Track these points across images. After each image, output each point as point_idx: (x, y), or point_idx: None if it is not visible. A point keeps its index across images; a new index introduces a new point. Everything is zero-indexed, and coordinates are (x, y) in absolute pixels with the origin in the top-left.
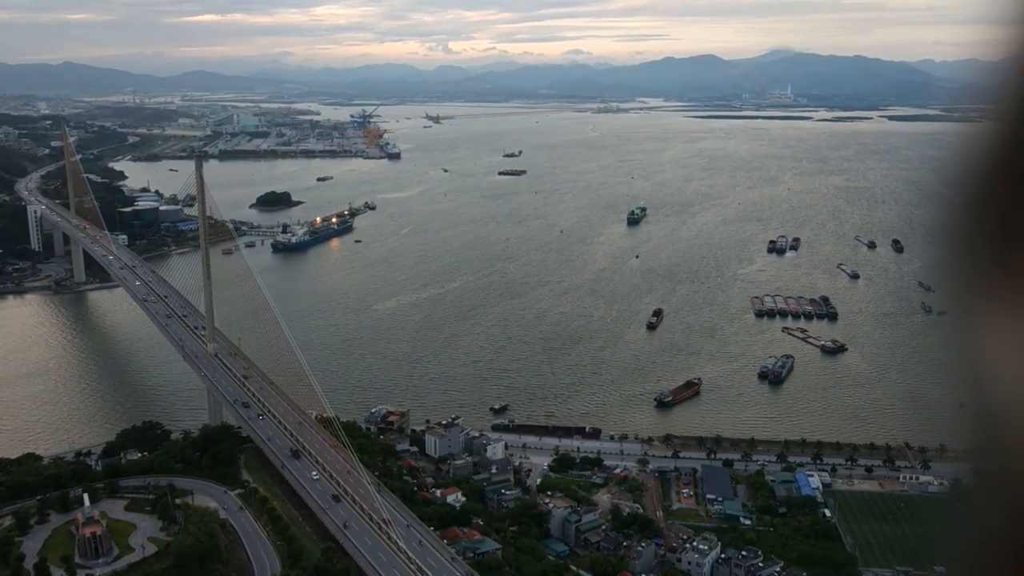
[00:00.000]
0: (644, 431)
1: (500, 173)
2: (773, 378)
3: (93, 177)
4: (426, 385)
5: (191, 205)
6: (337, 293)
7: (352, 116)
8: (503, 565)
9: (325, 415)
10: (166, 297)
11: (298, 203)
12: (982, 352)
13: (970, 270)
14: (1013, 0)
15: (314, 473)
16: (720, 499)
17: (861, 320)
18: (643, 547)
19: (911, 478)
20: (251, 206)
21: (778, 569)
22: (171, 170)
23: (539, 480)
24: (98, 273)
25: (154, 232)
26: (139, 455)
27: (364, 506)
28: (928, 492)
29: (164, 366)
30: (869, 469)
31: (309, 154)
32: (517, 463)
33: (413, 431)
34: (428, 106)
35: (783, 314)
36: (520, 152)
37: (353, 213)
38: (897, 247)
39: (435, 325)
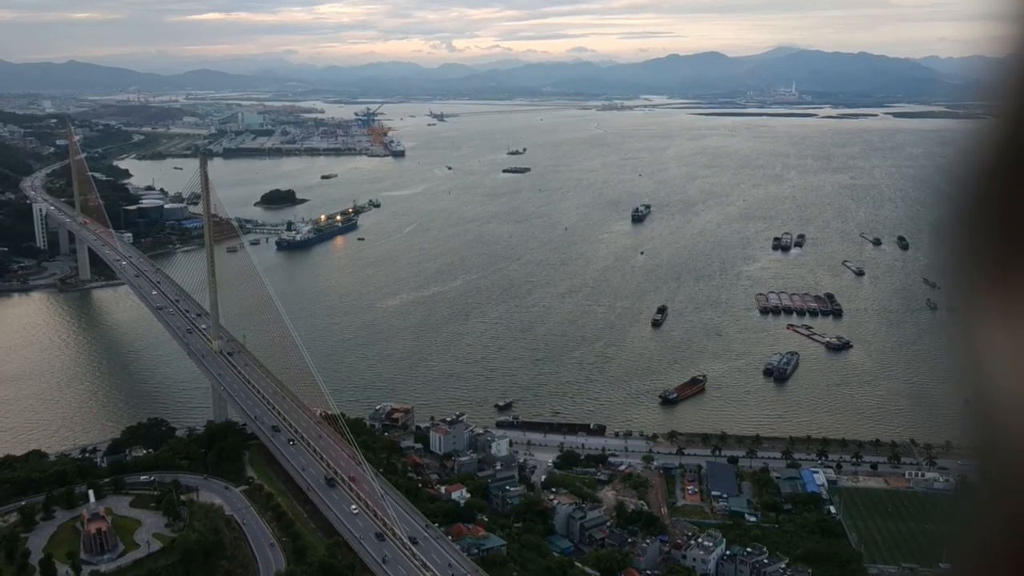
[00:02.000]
0: (649, 428)
1: (504, 171)
2: (778, 375)
3: (98, 175)
4: (431, 382)
5: (196, 203)
6: (341, 291)
7: (356, 114)
8: (508, 561)
9: (330, 412)
10: (178, 301)
11: (302, 201)
12: (984, 351)
13: (973, 268)
14: None
15: (353, 507)
16: (725, 496)
17: (866, 317)
18: (648, 544)
19: (916, 475)
20: (256, 204)
21: (783, 566)
22: (176, 168)
23: (544, 477)
24: (103, 271)
25: (159, 230)
26: (144, 452)
27: (415, 551)
28: (933, 489)
29: (169, 363)
30: (874, 466)
31: (313, 152)
32: (522, 460)
33: (418, 428)
34: (432, 104)
35: (788, 311)
36: (524, 150)
37: (357, 211)
38: (902, 244)
39: (439, 323)
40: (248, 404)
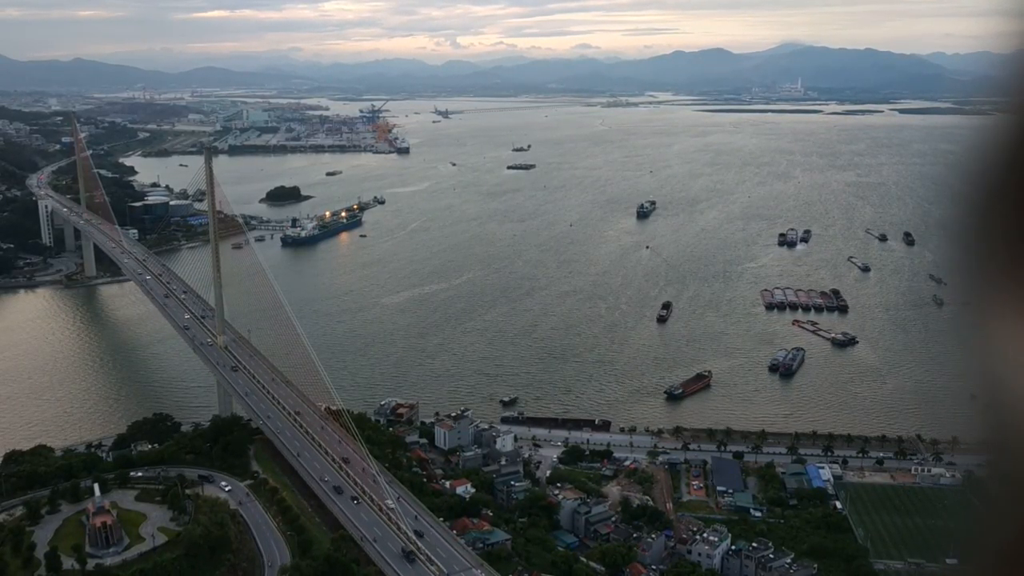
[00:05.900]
0: (654, 423)
1: (509, 167)
2: (784, 371)
3: (104, 172)
4: (435, 378)
5: (201, 200)
6: (344, 288)
7: (361, 111)
8: (513, 556)
9: (335, 407)
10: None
11: (307, 198)
12: (994, 347)
13: (983, 265)
14: None
15: None
16: (730, 491)
17: (872, 313)
18: (653, 539)
19: (922, 470)
20: (261, 201)
21: (789, 561)
22: (181, 165)
23: (549, 472)
24: (109, 267)
25: (164, 227)
26: (150, 447)
27: None
28: (940, 484)
29: (174, 359)
30: (880, 461)
31: (318, 149)
32: (527, 455)
33: (423, 423)
34: (437, 101)
35: (793, 307)
36: (529, 146)
37: (362, 207)
38: (909, 240)
39: (443, 320)
40: (288, 438)
